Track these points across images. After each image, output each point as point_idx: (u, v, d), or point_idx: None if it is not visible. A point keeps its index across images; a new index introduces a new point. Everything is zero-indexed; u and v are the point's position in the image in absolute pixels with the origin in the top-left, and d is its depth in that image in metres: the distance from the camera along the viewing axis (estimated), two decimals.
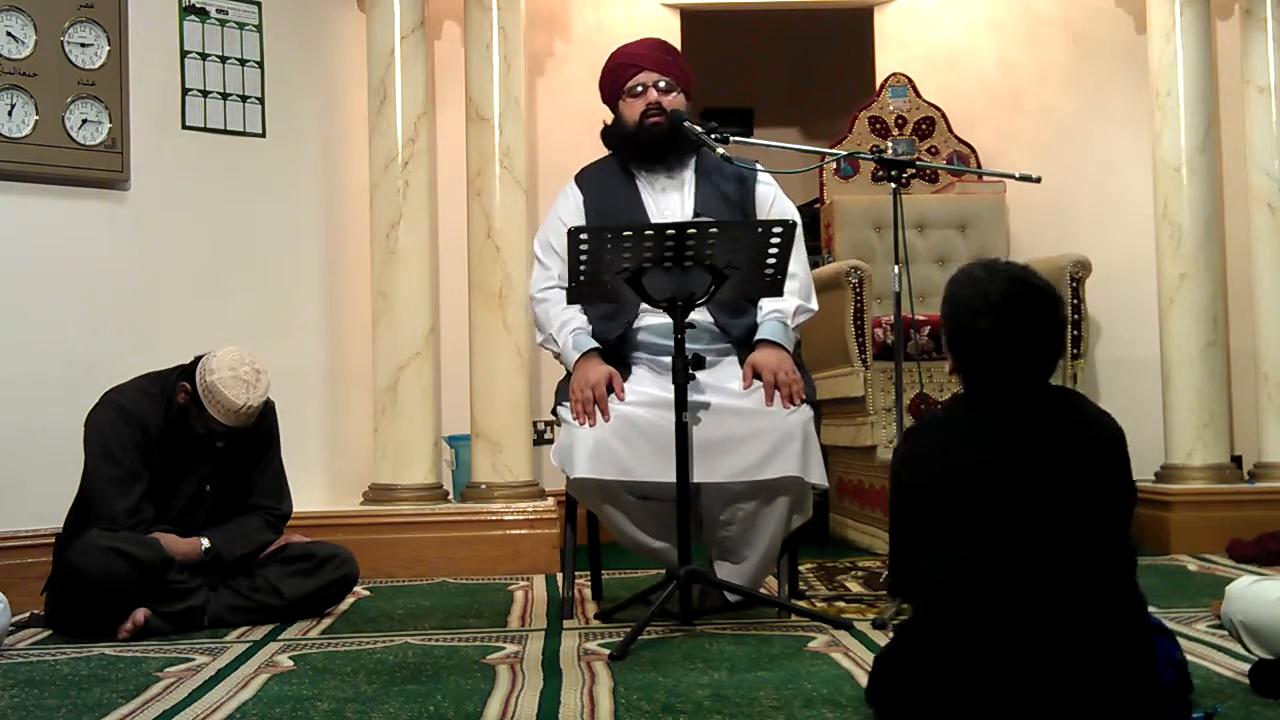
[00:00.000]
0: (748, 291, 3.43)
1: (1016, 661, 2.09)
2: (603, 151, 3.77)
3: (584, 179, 3.75)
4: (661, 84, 3.63)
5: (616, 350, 3.54)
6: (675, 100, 3.65)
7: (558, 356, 3.62)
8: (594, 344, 3.51)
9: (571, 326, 3.55)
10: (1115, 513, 2.20)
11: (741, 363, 3.49)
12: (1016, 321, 2.19)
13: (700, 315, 3.44)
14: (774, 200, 3.69)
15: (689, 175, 3.69)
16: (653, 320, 3.52)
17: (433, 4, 5.06)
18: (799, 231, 3.58)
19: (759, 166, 3.71)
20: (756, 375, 3.43)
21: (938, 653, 2.15)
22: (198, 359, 3.60)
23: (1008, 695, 2.09)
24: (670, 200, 3.66)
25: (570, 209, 3.68)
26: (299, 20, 5.03)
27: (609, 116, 3.73)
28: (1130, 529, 2.24)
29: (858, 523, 5.22)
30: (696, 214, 3.60)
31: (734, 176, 3.68)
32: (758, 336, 3.52)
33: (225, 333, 4.53)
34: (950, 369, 2.31)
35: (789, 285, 3.43)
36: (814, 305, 3.65)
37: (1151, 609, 2.29)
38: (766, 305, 3.56)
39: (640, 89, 3.64)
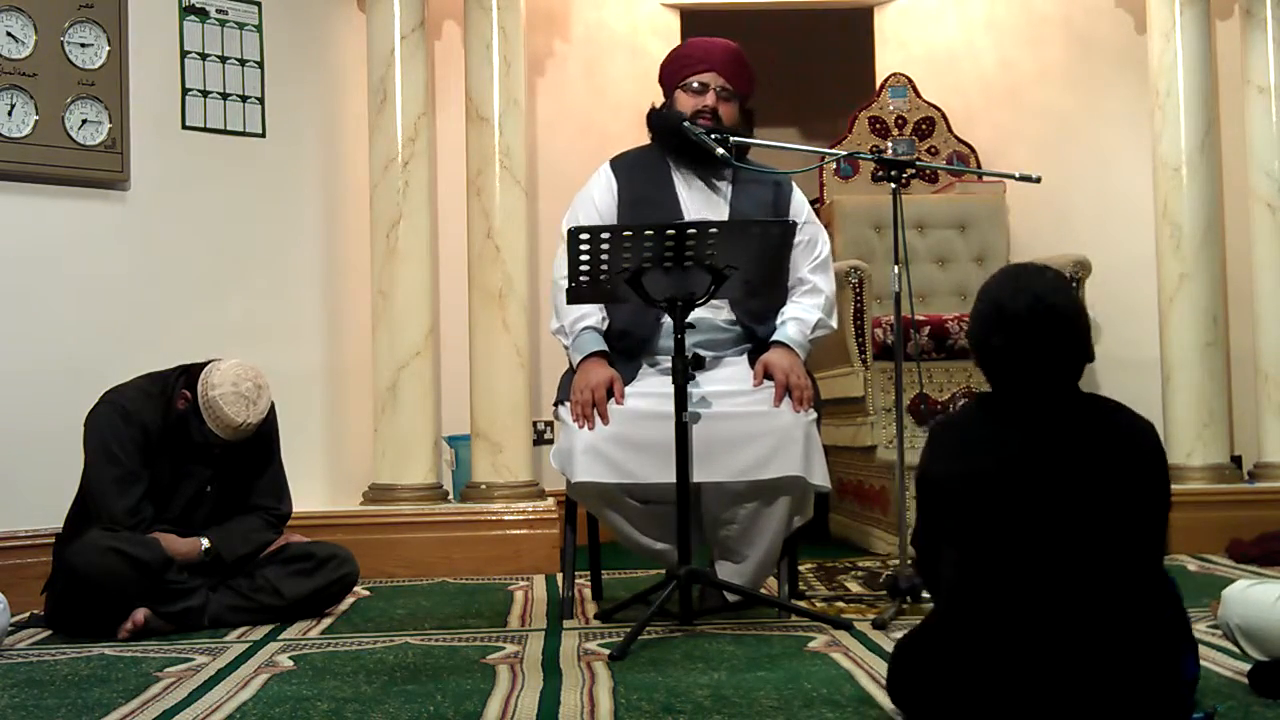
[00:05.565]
0: (747, 291, 3.42)
1: (1030, 666, 2.09)
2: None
3: (620, 166, 3.69)
4: (723, 90, 3.59)
5: (637, 351, 3.51)
6: (730, 110, 3.60)
7: (567, 348, 3.60)
8: (601, 346, 3.50)
9: (586, 323, 3.52)
10: (1145, 521, 2.18)
11: (750, 365, 3.49)
12: (1031, 341, 2.18)
13: (727, 315, 3.45)
14: (807, 215, 3.67)
15: (727, 179, 3.65)
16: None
17: (433, 4, 5.06)
18: (828, 250, 3.63)
19: (791, 177, 3.69)
20: (768, 375, 3.43)
21: (955, 651, 2.16)
22: (200, 364, 3.59)
23: (1019, 695, 2.09)
24: (707, 201, 3.61)
25: (604, 194, 3.63)
26: (299, 20, 5.03)
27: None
28: (1166, 539, 2.23)
29: (858, 523, 5.22)
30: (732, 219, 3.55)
31: (770, 184, 3.66)
32: (774, 338, 3.52)
33: (225, 333, 4.55)
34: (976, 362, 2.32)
35: (814, 300, 3.45)
36: (834, 324, 3.65)
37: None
38: (788, 312, 3.55)
39: (700, 86, 3.60)
